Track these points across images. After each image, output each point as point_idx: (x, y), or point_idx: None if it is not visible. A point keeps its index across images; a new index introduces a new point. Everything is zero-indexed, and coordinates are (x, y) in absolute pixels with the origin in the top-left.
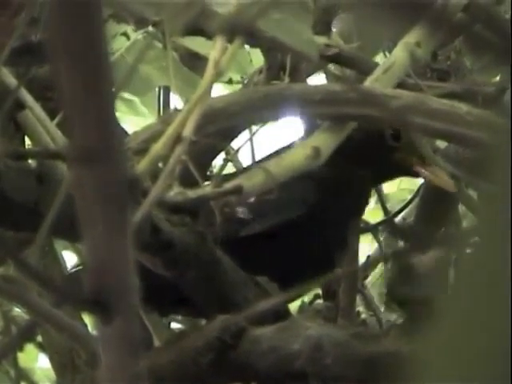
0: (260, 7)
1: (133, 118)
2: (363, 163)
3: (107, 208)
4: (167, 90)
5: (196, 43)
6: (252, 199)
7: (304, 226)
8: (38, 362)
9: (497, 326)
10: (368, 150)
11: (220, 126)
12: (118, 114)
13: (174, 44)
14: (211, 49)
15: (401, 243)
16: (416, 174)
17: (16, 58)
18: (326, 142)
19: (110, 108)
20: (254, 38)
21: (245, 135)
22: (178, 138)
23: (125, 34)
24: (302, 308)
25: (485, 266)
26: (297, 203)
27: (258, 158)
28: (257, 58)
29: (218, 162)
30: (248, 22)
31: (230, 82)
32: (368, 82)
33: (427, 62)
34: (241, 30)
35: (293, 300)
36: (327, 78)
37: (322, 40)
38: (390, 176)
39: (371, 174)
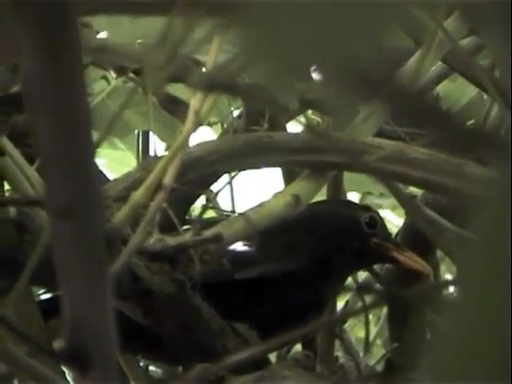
0: (240, 63)
1: (110, 152)
2: (339, 251)
3: (85, 260)
4: (147, 133)
5: (176, 88)
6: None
7: (290, 280)
8: None
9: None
10: (344, 237)
11: (200, 173)
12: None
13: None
14: (191, 94)
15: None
16: (392, 261)
17: None
18: (306, 189)
19: (89, 161)
20: (233, 92)
21: (224, 179)
22: (158, 186)
23: (105, 78)
24: (280, 357)
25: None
26: (289, 258)
27: (237, 202)
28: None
29: (197, 205)
30: (228, 78)
31: (208, 124)
32: (348, 130)
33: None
34: (220, 86)
35: (272, 350)
36: (303, 126)
37: (301, 85)
38: (367, 263)
39: (348, 261)
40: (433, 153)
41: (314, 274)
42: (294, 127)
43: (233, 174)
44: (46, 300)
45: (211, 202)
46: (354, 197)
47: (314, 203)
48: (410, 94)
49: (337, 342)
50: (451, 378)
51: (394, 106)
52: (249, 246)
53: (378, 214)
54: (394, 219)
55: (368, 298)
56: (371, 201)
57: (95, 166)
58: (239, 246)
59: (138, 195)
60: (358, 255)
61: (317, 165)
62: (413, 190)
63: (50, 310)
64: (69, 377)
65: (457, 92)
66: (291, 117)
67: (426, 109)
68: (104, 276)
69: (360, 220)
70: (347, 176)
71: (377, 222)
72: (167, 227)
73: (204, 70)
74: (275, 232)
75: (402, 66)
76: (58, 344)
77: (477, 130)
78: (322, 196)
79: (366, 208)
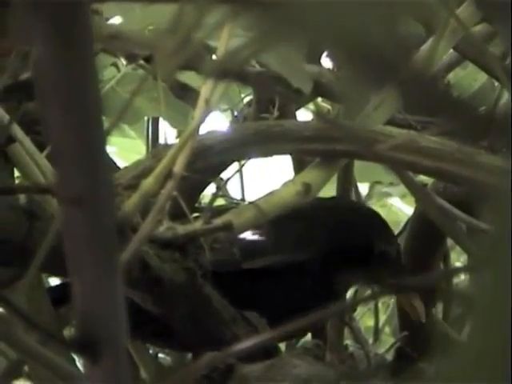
0: (251, 50)
1: (120, 140)
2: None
3: (95, 248)
4: (156, 120)
5: (186, 76)
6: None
7: (302, 270)
8: None
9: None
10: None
11: (210, 162)
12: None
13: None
14: (201, 82)
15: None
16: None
17: (6, 95)
18: (317, 178)
19: (100, 149)
20: (243, 80)
21: (234, 167)
22: (168, 174)
23: (115, 65)
24: (290, 345)
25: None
26: (300, 248)
27: (247, 190)
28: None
29: (207, 193)
30: (238, 66)
31: (219, 110)
32: (359, 119)
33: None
34: (231, 74)
35: (282, 339)
36: (314, 114)
37: (313, 69)
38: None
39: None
40: (444, 141)
41: (326, 266)
42: (305, 115)
43: (243, 162)
44: (56, 288)
45: (221, 190)
46: (363, 186)
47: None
48: (424, 80)
49: (346, 331)
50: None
51: (407, 92)
52: (259, 235)
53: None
54: (403, 208)
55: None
56: (381, 190)
57: (106, 153)
58: (249, 235)
59: (148, 183)
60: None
61: (327, 153)
62: (423, 178)
63: (60, 297)
64: (79, 364)
65: (467, 79)
66: (301, 105)
67: (440, 95)
68: (115, 264)
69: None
70: (357, 165)
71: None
72: (177, 215)
73: (215, 57)
74: (286, 222)
75: (414, 53)
76: (67, 332)
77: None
78: (332, 185)
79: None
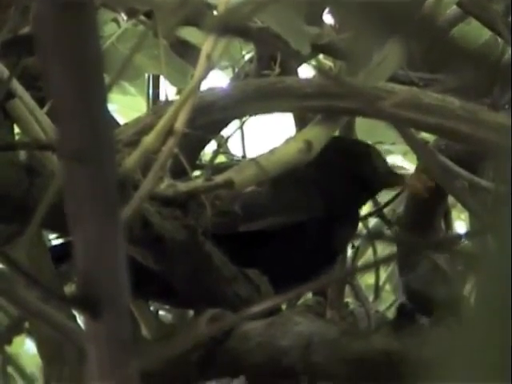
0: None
1: (121, 97)
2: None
3: (97, 204)
4: (157, 78)
5: (187, 32)
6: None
7: (302, 230)
8: (24, 347)
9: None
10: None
11: (211, 119)
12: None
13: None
14: (202, 38)
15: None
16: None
17: (6, 50)
18: (318, 135)
19: (101, 104)
20: (245, 36)
21: (235, 124)
22: (169, 131)
23: (115, 21)
24: (291, 303)
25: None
26: (300, 209)
27: (248, 147)
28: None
29: (207, 150)
30: (240, 22)
31: (220, 68)
32: (361, 75)
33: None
34: (232, 30)
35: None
36: (316, 70)
37: (313, 30)
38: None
39: (361, 191)
40: (447, 98)
41: (326, 223)
42: (306, 72)
43: (244, 119)
44: (57, 247)
45: (222, 148)
46: None
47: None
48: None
49: (347, 288)
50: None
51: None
52: (260, 193)
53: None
54: (405, 165)
55: (379, 245)
56: (382, 148)
57: (107, 109)
58: (250, 193)
59: (148, 140)
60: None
61: (329, 110)
62: (425, 136)
63: (61, 256)
64: (80, 321)
65: (471, 35)
66: (303, 61)
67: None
68: (116, 220)
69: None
70: (359, 124)
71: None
72: (178, 173)
73: (216, 13)
74: (287, 180)
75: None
76: (68, 290)
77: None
78: None
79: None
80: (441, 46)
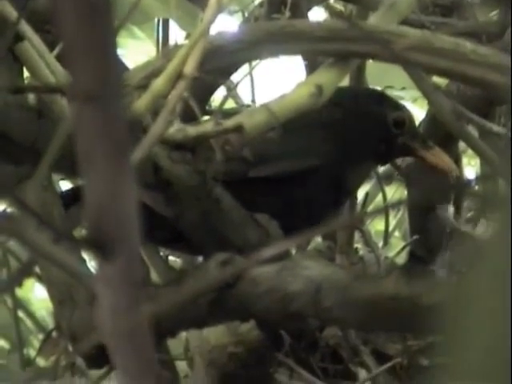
0: None
1: (130, 41)
2: (367, 148)
3: (107, 145)
4: (166, 22)
5: None
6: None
7: (313, 175)
8: (34, 291)
9: None
10: (371, 136)
11: (221, 63)
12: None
13: None
14: None
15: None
16: (418, 158)
17: None
18: (329, 79)
19: (111, 46)
20: None
21: (244, 69)
22: (179, 75)
23: None
24: (301, 247)
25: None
26: (311, 154)
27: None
28: None
29: (217, 95)
30: None
31: (229, 13)
32: (372, 19)
33: None
34: None
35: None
36: (328, 14)
37: None
38: (391, 159)
39: (374, 156)
40: (459, 42)
41: (337, 168)
42: (317, 15)
43: (254, 63)
44: (67, 191)
45: (232, 93)
46: None
47: (341, 92)
48: None
49: (356, 234)
50: None
51: None
52: (270, 138)
53: (406, 110)
54: (415, 111)
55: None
56: (392, 93)
57: (116, 51)
58: (261, 138)
59: (158, 84)
60: (383, 152)
61: (340, 54)
62: (437, 81)
63: (71, 200)
64: (89, 264)
65: None
66: (313, 5)
67: None
68: (127, 161)
69: (387, 120)
70: (369, 69)
71: (405, 122)
72: (188, 117)
73: None
74: (298, 125)
75: None
76: (78, 232)
77: None
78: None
79: (394, 105)
80: None
